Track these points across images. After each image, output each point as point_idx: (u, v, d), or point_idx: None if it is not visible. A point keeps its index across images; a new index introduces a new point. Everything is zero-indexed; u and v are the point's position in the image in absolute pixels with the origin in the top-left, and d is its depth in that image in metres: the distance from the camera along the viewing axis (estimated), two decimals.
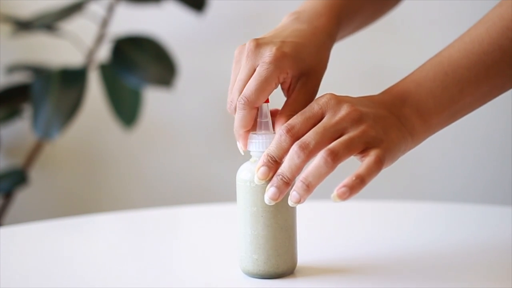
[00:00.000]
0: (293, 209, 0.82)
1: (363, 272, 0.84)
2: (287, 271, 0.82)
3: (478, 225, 1.03)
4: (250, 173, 0.81)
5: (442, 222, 1.05)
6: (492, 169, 1.97)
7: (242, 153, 0.83)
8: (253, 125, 0.82)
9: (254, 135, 0.81)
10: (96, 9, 1.93)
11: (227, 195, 2.03)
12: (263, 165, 0.78)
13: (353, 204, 1.14)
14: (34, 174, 2.04)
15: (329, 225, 1.06)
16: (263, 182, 0.78)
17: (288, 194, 0.77)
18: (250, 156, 0.83)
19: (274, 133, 0.81)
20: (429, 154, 1.96)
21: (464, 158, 1.98)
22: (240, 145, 0.82)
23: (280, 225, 0.81)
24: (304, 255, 0.85)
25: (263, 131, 0.81)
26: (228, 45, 2.00)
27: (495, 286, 0.80)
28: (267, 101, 0.81)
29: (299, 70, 0.83)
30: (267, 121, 0.81)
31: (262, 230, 0.81)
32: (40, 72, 1.84)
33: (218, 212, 1.16)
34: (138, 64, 1.80)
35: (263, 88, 0.80)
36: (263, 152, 0.79)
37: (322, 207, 1.14)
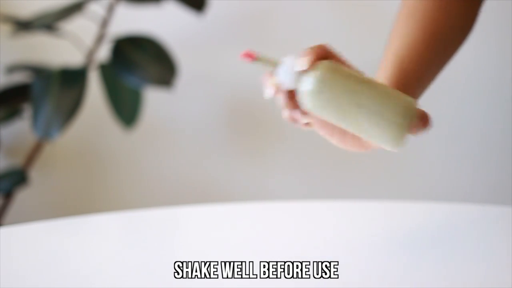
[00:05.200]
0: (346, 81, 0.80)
1: (362, 272, 0.84)
2: (407, 114, 0.79)
3: (478, 225, 1.03)
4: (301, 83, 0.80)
5: (442, 222, 1.05)
6: (492, 169, 1.97)
7: None
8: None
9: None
10: (96, 9, 1.93)
11: (227, 195, 2.03)
12: None
13: (353, 204, 1.14)
14: (34, 174, 2.04)
15: (328, 226, 1.06)
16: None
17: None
18: None
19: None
20: (429, 154, 1.96)
21: (464, 158, 1.98)
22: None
23: (358, 103, 0.78)
24: (304, 255, 0.85)
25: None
26: (228, 45, 2.00)
27: (495, 286, 0.80)
28: None
29: None
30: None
31: (355, 109, 0.78)
32: (40, 72, 1.84)
33: (218, 212, 1.16)
34: (138, 64, 1.80)
35: None
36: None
37: (321, 208, 1.14)
